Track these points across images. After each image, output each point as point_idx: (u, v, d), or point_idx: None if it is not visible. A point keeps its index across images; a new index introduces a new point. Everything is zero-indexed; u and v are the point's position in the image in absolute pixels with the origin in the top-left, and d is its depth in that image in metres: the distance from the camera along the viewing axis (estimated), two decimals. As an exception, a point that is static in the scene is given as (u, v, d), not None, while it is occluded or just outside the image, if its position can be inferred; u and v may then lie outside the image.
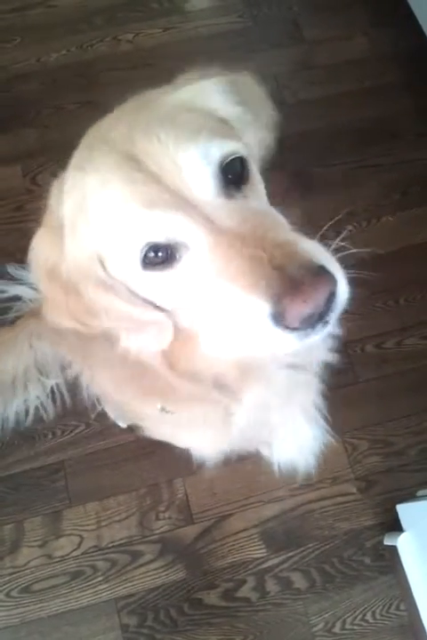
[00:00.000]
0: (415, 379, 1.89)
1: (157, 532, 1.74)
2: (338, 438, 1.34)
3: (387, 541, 1.70)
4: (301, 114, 2.23)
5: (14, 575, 1.70)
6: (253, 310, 0.72)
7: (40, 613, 1.67)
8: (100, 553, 1.72)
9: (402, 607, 1.68)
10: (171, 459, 1.70)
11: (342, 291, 0.74)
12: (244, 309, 0.73)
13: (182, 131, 0.76)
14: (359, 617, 1.68)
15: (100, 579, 1.70)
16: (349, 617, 1.68)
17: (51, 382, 1.72)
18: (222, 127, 0.82)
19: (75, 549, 1.72)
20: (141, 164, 0.75)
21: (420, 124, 2.24)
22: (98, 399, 1.58)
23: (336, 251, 0.80)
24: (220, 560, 1.72)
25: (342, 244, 0.82)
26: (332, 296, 0.72)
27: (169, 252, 0.77)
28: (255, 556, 1.73)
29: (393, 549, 1.65)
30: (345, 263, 0.79)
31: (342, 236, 0.83)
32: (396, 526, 1.68)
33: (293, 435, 1.26)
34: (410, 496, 1.73)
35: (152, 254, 0.77)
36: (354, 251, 0.84)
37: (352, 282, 0.78)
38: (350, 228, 2.05)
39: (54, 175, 0.88)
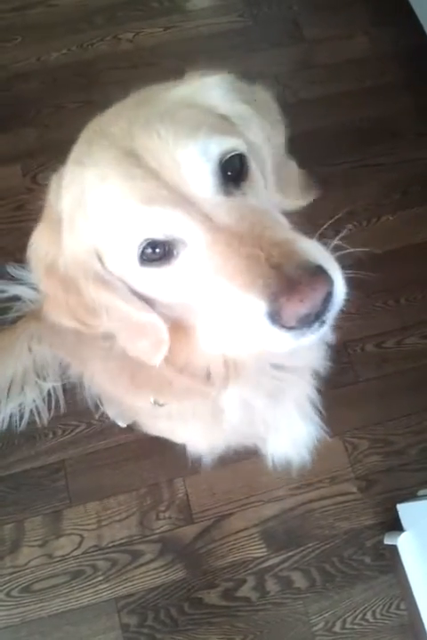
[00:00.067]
0: (416, 378, 1.89)
1: (158, 531, 1.74)
2: (330, 433, 1.34)
3: (387, 541, 1.70)
4: (301, 113, 2.22)
5: (15, 575, 1.70)
6: (250, 308, 0.72)
7: (40, 613, 1.67)
8: (100, 552, 1.72)
9: (402, 606, 1.68)
10: (171, 459, 1.70)
11: (340, 290, 0.74)
12: (240, 307, 0.73)
13: (182, 127, 0.76)
14: (360, 616, 1.68)
15: (100, 578, 1.70)
16: (349, 616, 1.68)
17: (48, 385, 1.72)
18: (222, 124, 0.82)
19: (75, 549, 1.72)
20: (141, 159, 0.75)
21: (420, 124, 2.24)
22: (99, 399, 1.58)
23: (335, 249, 0.80)
24: (220, 559, 1.72)
25: (341, 243, 0.82)
26: (329, 296, 0.72)
27: (167, 248, 0.77)
28: (255, 555, 1.73)
29: (393, 549, 1.65)
30: (344, 262, 0.79)
31: (341, 234, 0.83)
32: (396, 526, 1.68)
33: (287, 430, 1.26)
34: (410, 495, 1.73)
35: (150, 250, 0.77)
36: (352, 250, 0.84)
37: (351, 282, 0.78)
38: (349, 226, 2.05)
39: (54, 172, 0.88)
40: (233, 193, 0.78)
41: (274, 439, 1.28)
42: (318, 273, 0.71)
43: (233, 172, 0.78)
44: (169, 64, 2.24)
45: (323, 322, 0.74)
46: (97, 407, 1.64)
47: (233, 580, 1.70)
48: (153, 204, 0.74)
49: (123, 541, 1.73)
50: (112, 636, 1.66)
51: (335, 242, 0.81)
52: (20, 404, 1.72)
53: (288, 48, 2.41)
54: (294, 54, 2.40)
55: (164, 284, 0.81)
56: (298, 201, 0.94)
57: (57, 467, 1.79)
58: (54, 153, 0.88)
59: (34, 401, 1.72)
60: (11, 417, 1.73)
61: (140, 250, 0.77)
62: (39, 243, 0.88)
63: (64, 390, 1.75)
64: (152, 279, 0.81)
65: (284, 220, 0.82)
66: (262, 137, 0.89)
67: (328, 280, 0.72)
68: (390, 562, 1.71)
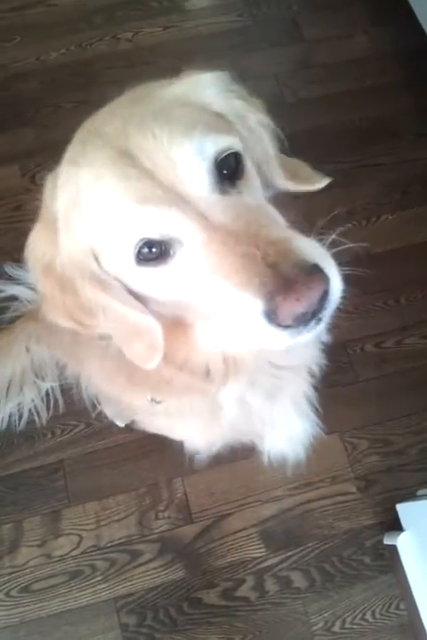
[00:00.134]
0: (415, 378, 1.89)
1: (157, 531, 1.74)
2: (327, 430, 1.34)
3: (387, 541, 1.70)
4: (301, 113, 2.23)
5: (13, 575, 1.69)
6: (246, 307, 0.72)
7: (39, 613, 1.66)
8: (99, 552, 1.72)
9: (402, 606, 1.68)
10: (170, 458, 1.70)
11: (336, 289, 0.74)
12: (237, 306, 0.73)
13: (177, 126, 0.76)
14: (359, 616, 1.68)
15: (99, 578, 1.69)
16: (348, 616, 1.68)
17: (46, 385, 1.72)
18: (218, 122, 0.82)
19: (74, 549, 1.72)
20: (135, 159, 0.75)
21: (420, 124, 2.24)
22: (97, 399, 1.58)
23: (332, 246, 0.79)
24: (219, 559, 1.72)
25: (339, 238, 0.82)
26: (325, 294, 0.72)
27: (163, 247, 0.77)
28: (254, 555, 1.72)
29: (393, 549, 1.65)
30: (341, 260, 0.79)
31: (338, 231, 0.82)
32: (396, 525, 1.68)
33: (283, 427, 1.26)
34: (410, 495, 1.73)
35: (146, 250, 0.77)
36: (351, 245, 0.84)
37: (350, 280, 0.78)
38: (348, 225, 2.05)
39: (50, 172, 0.88)
40: (229, 191, 0.77)
41: (271, 436, 1.28)
42: (315, 272, 0.71)
43: (229, 170, 0.78)
44: (168, 63, 2.24)
45: (319, 320, 0.74)
46: (94, 407, 1.64)
47: (232, 580, 1.70)
48: (148, 203, 0.74)
49: (122, 541, 1.73)
50: (111, 635, 1.65)
51: (333, 237, 0.81)
52: (19, 404, 1.73)
53: (288, 48, 2.41)
54: (294, 54, 2.40)
55: (160, 283, 0.81)
56: (312, 184, 0.94)
57: (56, 467, 1.79)
58: (53, 153, 0.88)
59: (32, 401, 1.73)
60: (10, 417, 1.73)
61: (137, 249, 0.77)
62: (36, 243, 0.87)
63: (62, 390, 1.75)
64: (149, 278, 0.81)
65: (280, 218, 0.82)
66: (260, 128, 0.89)
67: (325, 279, 0.72)
68: (390, 562, 1.71)
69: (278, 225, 0.78)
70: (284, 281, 0.69)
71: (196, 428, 1.20)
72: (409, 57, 2.36)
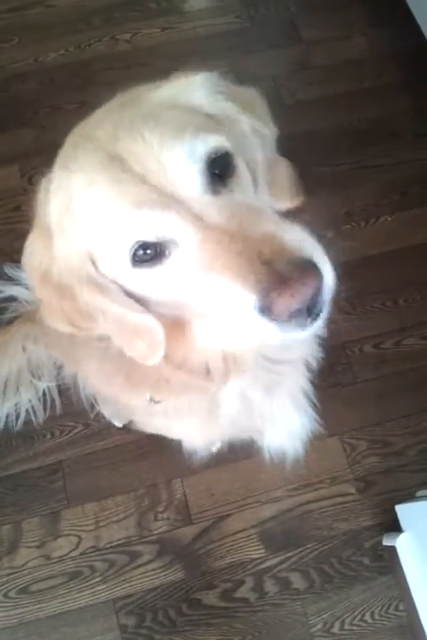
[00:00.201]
0: (414, 379, 1.89)
1: (156, 532, 1.74)
2: (324, 424, 1.34)
3: (386, 542, 1.70)
4: (299, 114, 2.23)
5: (12, 576, 1.69)
6: (242, 303, 0.73)
7: (38, 614, 1.66)
8: (98, 553, 1.72)
9: (401, 607, 1.68)
10: (169, 459, 1.70)
11: (329, 283, 0.75)
12: (233, 302, 0.75)
13: (167, 128, 0.76)
14: (358, 617, 1.68)
15: (98, 579, 1.69)
16: (347, 617, 1.68)
17: (43, 385, 1.72)
18: (208, 123, 0.82)
19: (73, 550, 1.72)
20: (126, 163, 0.75)
21: (419, 124, 2.24)
22: (94, 399, 1.58)
23: (328, 245, 0.80)
24: (218, 560, 1.72)
25: (336, 237, 0.83)
26: (319, 289, 0.74)
27: (158, 249, 0.77)
28: (254, 556, 1.72)
29: (392, 550, 1.65)
30: (336, 258, 0.79)
31: (333, 233, 0.83)
32: (395, 527, 1.68)
33: (282, 422, 1.26)
34: (409, 496, 1.73)
35: (141, 252, 0.77)
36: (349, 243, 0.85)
37: (347, 279, 0.79)
38: (347, 226, 2.05)
39: (43, 176, 0.88)
40: (220, 191, 0.78)
41: (271, 431, 1.29)
42: (308, 268, 0.72)
43: (220, 170, 0.79)
44: (166, 65, 2.24)
45: (314, 314, 0.75)
46: (93, 407, 1.64)
47: (231, 581, 1.70)
48: (142, 207, 0.75)
49: (121, 542, 1.73)
50: (110, 637, 1.65)
51: (329, 236, 0.82)
52: (16, 404, 1.72)
53: (286, 49, 2.41)
54: (292, 55, 2.40)
55: (157, 283, 0.82)
56: (286, 202, 0.95)
57: (55, 468, 1.79)
58: (52, 153, 0.88)
59: (29, 401, 1.73)
60: (7, 417, 1.73)
61: (132, 252, 0.77)
62: (32, 251, 0.88)
63: (59, 390, 1.75)
64: (145, 279, 0.81)
65: (273, 214, 0.83)
66: (251, 132, 0.89)
67: (318, 274, 0.73)
68: (389, 563, 1.71)
69: (271, 221, 0.78)
70: (278, 277, 0.70)
71: (194, 426, 1.20)
72: (407, 58, 2.36)
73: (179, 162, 0.75)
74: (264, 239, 0.72)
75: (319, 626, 1.67)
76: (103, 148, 0.78)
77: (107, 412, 1.73)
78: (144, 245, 0.77)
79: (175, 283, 0.80)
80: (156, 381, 1.01)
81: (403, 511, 1.67)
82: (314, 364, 1.21)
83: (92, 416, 1.75)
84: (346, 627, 1.67)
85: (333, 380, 1.84)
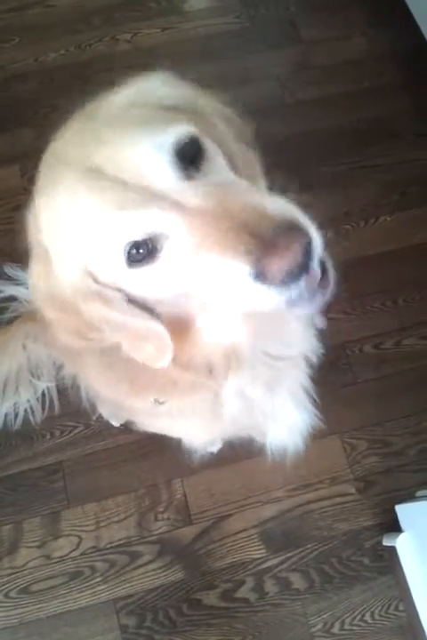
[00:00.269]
0: (414, 379, 1.89)
1: (156, 532, 1.74)
2: (323, 418, 1.34)
3: (386, 542, 1.70)
4: (299, 114, 2.23)
5: (13, 576, 1.69)
6: (237, 275, 0.75)
7: (39, 614, 1.66)
8: (98, 554, 1.72)
9: (401, 607, 1.68)
10: (169, 459, 1.71)
11: (316, 239, 0.77)
12: (229, 277, 0.76)
13: (132, 128, 0.78)
14: (358, 617, 1.68)
15: (98, 579, 1.69)
16: (347, 617, 1.68)
17: (42, 385, 1.72)
18: (170, 113, 0.83)
19: (73, 550, 1.72)
20: (101, 171, 0.76)
21: (418, 124, 2.24)
22: (94, 399, 1.58)
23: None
24: (218, 561, 1.72)
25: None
26: (308, 247, 0.75)
27: (150, 245, 0.78)
28: (254, 556, 1.73)
29: (392, 550, 1.65)
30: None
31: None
32: (395, 527, 1.68)
33: (283, 418, 1.26)
34: (409, 496, 1.73)
35: (134, 251, 0.78)
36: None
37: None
38: (347, 227, 2.06)
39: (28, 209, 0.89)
40: (195, 176, 0.79)
41: (273, 429, 1.29)
42: (293, 228, 0.74)
43: (191, 156, 0.80)
44: (167, 65, 2.24)
45: (308, 270, 0.76)
46: (94, 407, 1.64)
47: (232, 582, 1.70)
48: (124, 208, 0.75)
49: (121, 542, 1.73)
50: (110, 637, 1.65)
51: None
52: (15, 404, 1.72)
53: (285, 49, 2.41)
54: (292, 55, 2.40)
55: (155, 279, 0.82)
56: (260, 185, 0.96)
57: (55, 468, 1.79)
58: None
59: (28, 400, 1.72)
60: (6, 416, 1.73)
61: (126, 253, 0.78)
62: (35, 281, 0.90)
63: (58, 391, 1.75)
64: (143, 278, 0.82)
65: (250, 187, 0.84)
66: (214, 113, 0.90)
67: (304, 234, 0.75)
68: (389, 563, 1.71)
69: (250, 193, 0.80)
70: (266, 243, 0.72)
71: (197, 426, 1.21)
72: (407, 58, 2.36)
73: (148, 157, 0.76)
74: (247, 211, 0.74)
75: (319, 626, 1.67)
76: (78, 163, 0.78)
77: (105, 411, 1.73)
78: (136, 245, 0.78)
79: (173, 275, 0.81)
80: (162, 385, 1.02)
81: (403, 511, 1.67)
82: (314, 360, 1.21)
83: (94, 417, 1.75)
84: (346, 627, 1.67)
85: (333, 381, 1.84)
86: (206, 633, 1.66)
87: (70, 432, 1.82)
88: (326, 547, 1.74)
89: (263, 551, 1.73)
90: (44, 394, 1.75)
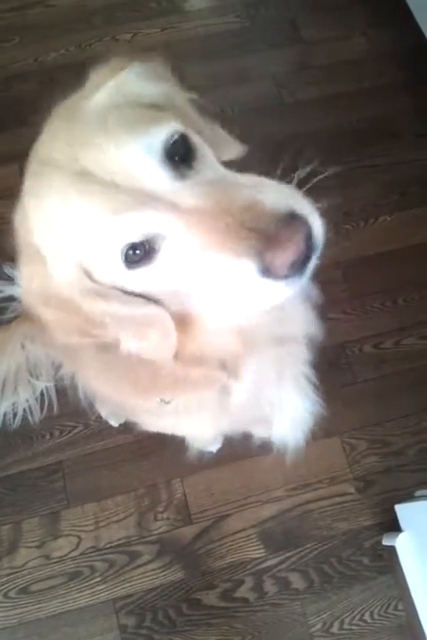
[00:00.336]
0: (414, 379, 1.89)
1: (156, 532, 1.74)
2: (325, 405, 1.34)
3: (385, 541, 1.70)
4: (298, 114, 2.23)
5: (12, 576, 1.69)
6: (243, 273, 0.74)
7: (38, 614, 1.66)
8: (98, 553, 1.72)
9: (400, 607, 1.68)
10: (169, 459, 1.70)
11: (318, 227, 0.76)
12: (234, 276, 0.76)
13: (119, 130, 0.76)
14: (358, 617, 1.68)
15: (98, 579, 1.69)
16: (347, 617, 1.68)
17: (41, 385, 1.72)
18: (154, 112, 0.82)
19: (73, 550, 1.72)
20: (92, 175, 0.76)
21: (419, 125, 2.24)
22: (93, 399, 1.58)
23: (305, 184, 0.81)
24: (218, 560, 1.72)
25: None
26: (309, 236, 0.75)
27: (147, 246, 0.78)
28: (254, 556, 1.72)
29: (392, 549, 1.65)
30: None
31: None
32: (394, 526, 1.68)
33: (287, 408, 1.26)
34: (408, 496, 1.73)
35: (131, 253, 0.78)
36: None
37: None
38: (347, 227, 2.05)
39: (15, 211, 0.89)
40: (187, 174, 0.78)
41: (279, 419, 1.29)
42: (293, 219, 0.74)
43: (181, 154, 0.79)
44: (167, 65, 2.24)
45: (312, 259, 0.76)
46: (93, 407, 1.63)
47: (231, 581, 1.70)
48: (119, 212, 0.75)
49: (121, 542, 1.73)
50: (110, 637, 1.65)
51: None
52: (14, 404, 1.72)
53: (286, 49, 2.41)
54: (292, 55, 2.40)
55: (154, 279, 0.82)
56: (235, 151, 0.96)
57: (54, 468, 1.79)
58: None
59: (27, 400, 1.72)
60: (4, 416, 1.72)
61: (123, 257, 0.78)
62: (26, 278, 0.88)
63: (57, 391, 1.74)
64: (142, 278, 0.82)
65: (245, 179, 0.83)
66: (186, 103, 0.90)
67: (304, 223, 0.74)
68: (389, 562, 1.71)
69: (246, 187, 0.79)
70: (268, 238, 0.72)
71: (204, 421, 1.20)
72: (407, 58, 2.36)
73: (139, 159, 0.75)
74: (245, 207, 0.74)
75: (319, 626, 1.67)
76: (65, 166, 0.77)
77: (103, 411, 1.73)
78: (133, 246, 0.77)
79: (172, 273, 0.80)
80: (169, 383, 1.01)
81: (402, 511, 1.67)
82: (315, 338, 1.20)
83: (93, 417, 1.75)
84: (345, 626, 1.67)
85: (333, 380, 1.84)
86: (206, 633, 1.66)
87: (70, 432, 1.82)
88: (325, 546, 1.74)
89: (263, 551, 1.73)
90: (42, 394, 1.74)
